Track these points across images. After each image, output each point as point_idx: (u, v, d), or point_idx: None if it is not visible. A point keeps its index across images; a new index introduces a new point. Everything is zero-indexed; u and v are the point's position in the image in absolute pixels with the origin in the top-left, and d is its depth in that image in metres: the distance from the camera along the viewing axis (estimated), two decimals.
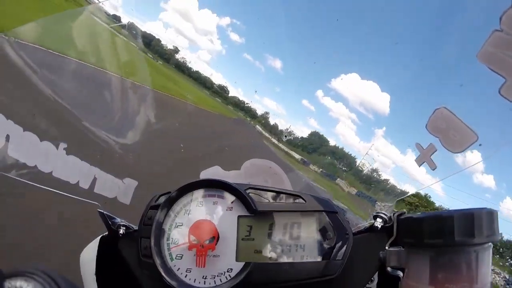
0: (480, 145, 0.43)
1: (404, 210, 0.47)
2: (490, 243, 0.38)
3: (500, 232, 0.38)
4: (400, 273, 0.43)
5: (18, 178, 0.60)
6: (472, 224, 0.36)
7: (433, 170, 0.46)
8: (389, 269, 0.44)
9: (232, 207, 0.51)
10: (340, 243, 0.48)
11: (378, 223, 0.50)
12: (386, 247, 0.45)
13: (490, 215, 0.37)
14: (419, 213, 0.41)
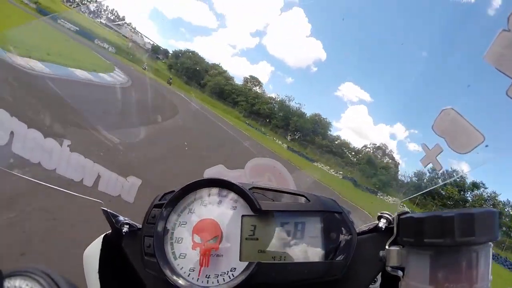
0: (486, 146, 0.43)
1: (408, 210, 0.47)
2: (490, 243, 0.38)
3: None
4: (400, 273, 0.43)
5: (22, 176, 0.60)
6: (472, 224, 0.36)
7: (439, 171, 0.46)
8: (388, 268, 0.44)
9: (236, 206, 0.51)
10: (344, 244, 0.48)
11: (382, 223, 0.50)
12: (386, 246, 0.45)
13: (490, 215, 0.37)
14: (419, 212, 0.41)
